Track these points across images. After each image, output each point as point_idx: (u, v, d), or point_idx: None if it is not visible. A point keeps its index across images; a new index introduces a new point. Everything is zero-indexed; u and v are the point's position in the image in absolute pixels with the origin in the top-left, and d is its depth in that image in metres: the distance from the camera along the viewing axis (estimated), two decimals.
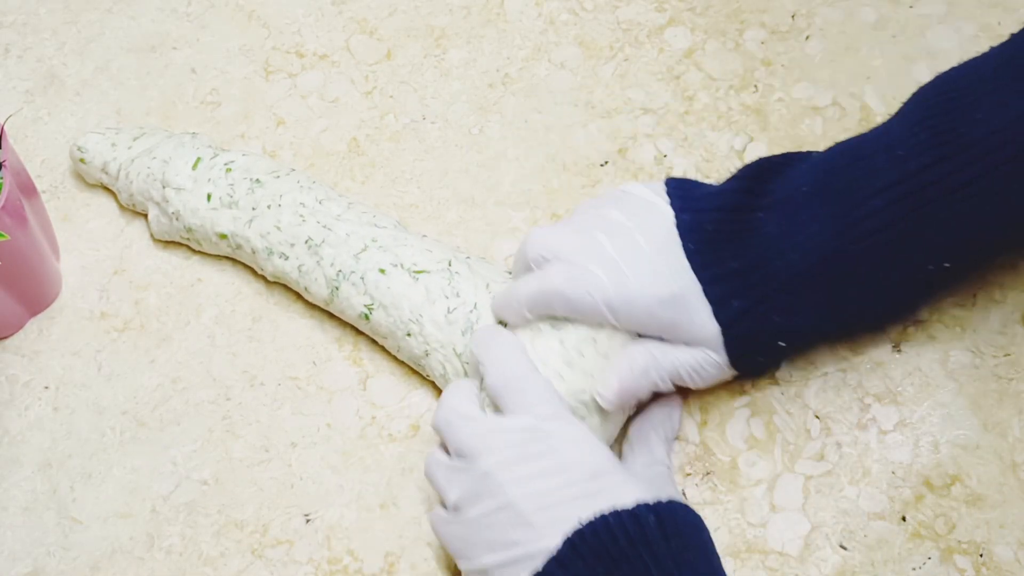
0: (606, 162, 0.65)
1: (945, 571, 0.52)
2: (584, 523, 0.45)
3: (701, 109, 0.66)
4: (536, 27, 0.70)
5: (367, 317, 0.57)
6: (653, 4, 0.71)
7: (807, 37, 0.69)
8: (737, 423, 0.56)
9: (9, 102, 0.69)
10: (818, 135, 0.65)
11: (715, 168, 0.64)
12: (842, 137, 0.65)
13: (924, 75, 0.67)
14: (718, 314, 0.52)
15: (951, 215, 0.51)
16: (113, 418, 0.58)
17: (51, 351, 0.60)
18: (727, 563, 0.53)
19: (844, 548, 0.53)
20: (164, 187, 0.60)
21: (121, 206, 0.64)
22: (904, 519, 0.54)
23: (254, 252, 0.59)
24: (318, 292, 0.58)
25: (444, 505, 0.50)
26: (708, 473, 0.55)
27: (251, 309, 0.61)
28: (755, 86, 0.67)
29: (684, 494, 0.55)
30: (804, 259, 0.52)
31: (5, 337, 0.61)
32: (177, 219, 0.60)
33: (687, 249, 0.52)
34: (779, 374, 0.57)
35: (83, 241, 0.64)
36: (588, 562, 0.45)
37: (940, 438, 0.56)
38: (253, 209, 0.59)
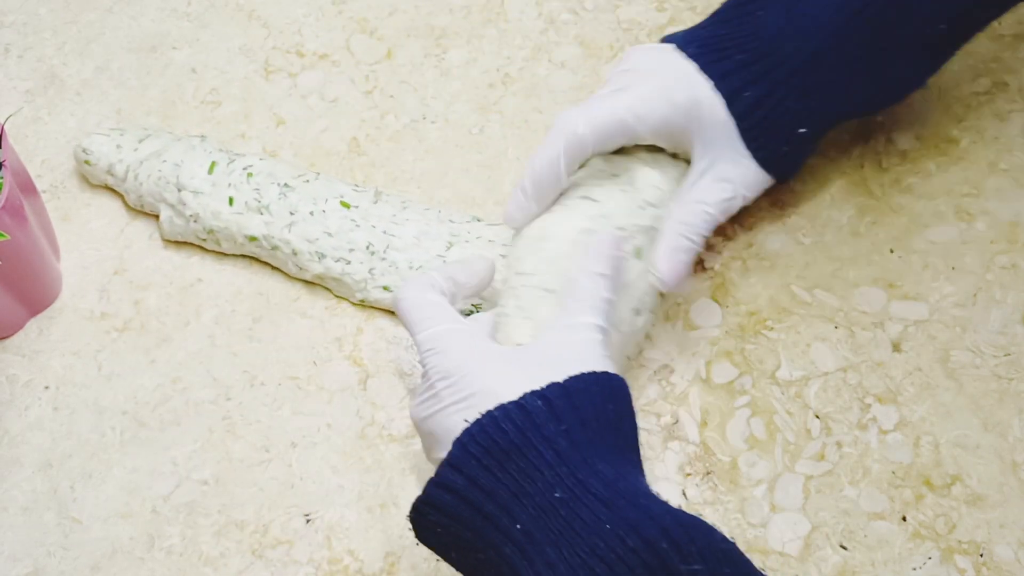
0: None
1: (945, 571, 0.52)
2: (471, 422, 0.45)
3: None
4: (536, 27, 0.70)
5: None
6: (653, 3, 0.71)
7: None
8: (737, 423, 0.56)
9: (9, 102, 0.69)
10: None
11: None
12: (843, 137, 0.65)
13: None
14: (732, 106, 0.52)
15: None
16: (113, 418, 0.58)
17: (51, 351, 0.60)
18: None
19: (844, 548, 0.53)
20: (180, 190, 0.61)
21: (129, 207, 0.64)
22: (904, 519, 0.54)
23: (295, 253, 0.59)
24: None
25: None
26: (708, 473, 0.55)
27: (251, 309, 0.61)
28: None
29: (684, 494, 0.55)
30: (810, 42, 0.52)
31: (5, 337, 0.60)
32: (196, 221, 0.60)
33: (689, 53, 0.53)
34: (779, 373, 0.57)
35: (83, 241, 0.64)
36: (482, 460, 0.44)
37: (940, 438, 0.56)
38: (291, 214, 0.60)
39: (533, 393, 0.45)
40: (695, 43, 0.54)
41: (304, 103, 0.68)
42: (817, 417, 0.56)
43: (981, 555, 0.53)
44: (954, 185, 0.63)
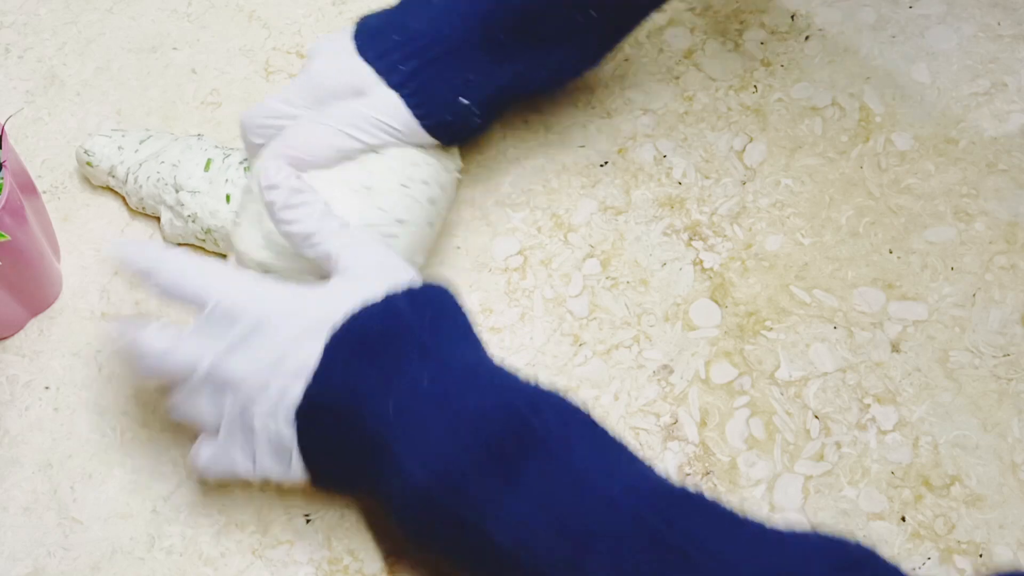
0: (606, 162, 0.65)
1: (945, 571, 0.52)
2: (337, 327, 0.48)
3: (701, 109, 0.67)
4: None
5: None
6: None
7: (807, 37, 0.69)
8: (737, 423, 0.57)
9: (10, 102, 0.69)
10: (817, 135, 0.65)
11: (714, 168, 0.64)
12: (842, 138, 0.65)
13: (924, 75, 0.67)
14: (390, 80, 0.56)
15: None
16: (114, 418, 0.58)
17: (52, 351, 0.60)
18: None
19: None
20: (178, 191, 0.60)
21: (131, 209, 0.64)
22: (904, 519, 0.54)
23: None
24: None
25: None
26: (707, 473, 0.55)
27: None
28: (755, 86, 0.67)
29: None
30: (465, 22, 0.57)
31: (5, 337, 0.61)
32: (194, 221, 0.60)
33: (358, 46, 0.57)
34: (779, 374, 0.58)
35: (84, 241, 0.64)
36: (351, 361, 0.48)
37: (940, 438, 0.56)
38: None
39: (394, 294, 0.49)
40: (362, 33, 0.58)
41: None
42: (816, 417, 0.57)
43: (980, 555, 0.53)
44: (953, 185, 0.63)
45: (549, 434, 0.45)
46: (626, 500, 0.44)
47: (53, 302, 0.61)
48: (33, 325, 0.61)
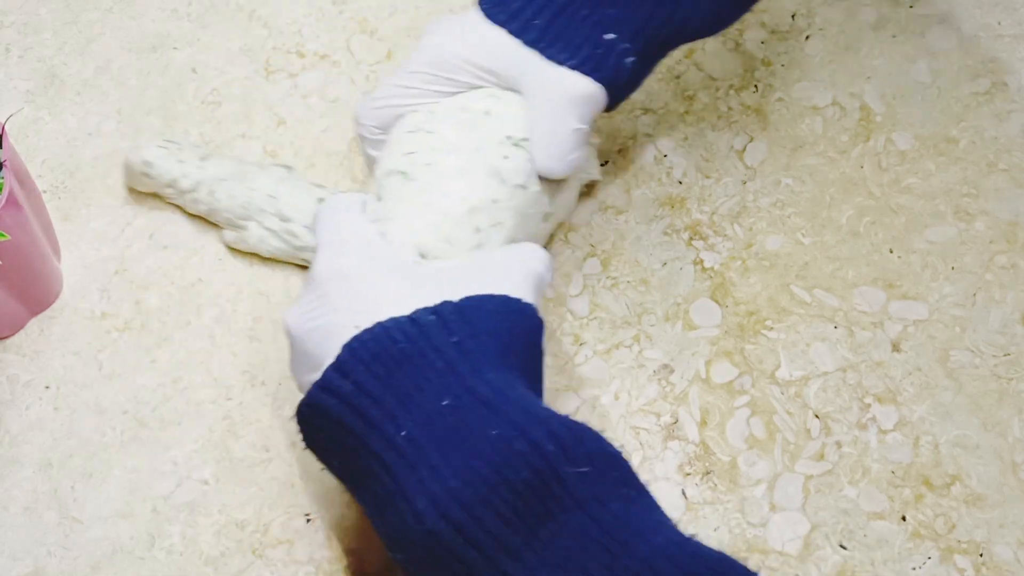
0: (606, 162, 0.65)
1: (945, 571, 0.52)
2: (362, 329, 0.45)
3: (701, 109, 0.67)
4: None
5: None
6: None
7: (807, 37, 0.69)
8: (737, 423, 0.57)
9: (10, 102, 0.69)
10: (818, 135, 0.65)
11: (715, 168, 0.64)
12: (843, 137, 0.65)
13: (924, 75, 0.67)
14: (524, 36, 0.52)
15: None
16: (114, 418, 0.58)
17: (52, 351, 0.60)
18: None
19: (844, 548, 0.53)
20: (284, 220, 0.60)
21: (181, 207, 0.64)
22: (904, 519, 0.54)
23: None
24: None
25: None
26: (708, 473, 0.55)
27: (252, 309, 0.61)
28: (755, 86, 0.67)
29: (684, 494, 0.55)
30: None
31: (6, 337, 0.61)
32: (305, 251, 0.61)
33: (485, 11, 0.53)
34: (779, 373, 0.58)
35: (84, 241, 0.64)
36: (370, 367, 0.44)
37: (940, 438, 0.56)
38: None
39: (425, 309, 0.45)
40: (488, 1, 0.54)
41: (305, 103, 0.68)
42: (817, 417, 0.57)
43: (981, 555, 0.53)
44: (953, 185, 0.63)
45: (579, 485, 0.40)
46: (663, 566, 0.39)
47: (53, 301, 0.61)
48: (33, 324, 0.61)
